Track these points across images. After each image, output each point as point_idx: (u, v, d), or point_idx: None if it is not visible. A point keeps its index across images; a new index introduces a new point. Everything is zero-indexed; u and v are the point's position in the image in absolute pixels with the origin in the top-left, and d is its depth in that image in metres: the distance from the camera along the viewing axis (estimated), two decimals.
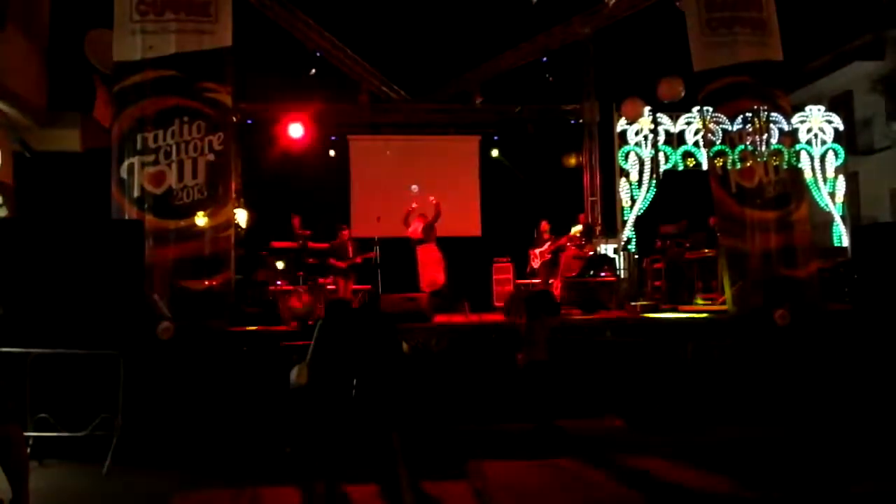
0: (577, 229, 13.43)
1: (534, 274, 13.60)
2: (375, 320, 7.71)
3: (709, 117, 11.61)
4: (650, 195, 16.89)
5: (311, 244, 12.27)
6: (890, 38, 19.44)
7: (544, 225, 13.47)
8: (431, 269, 12.35)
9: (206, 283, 9.65)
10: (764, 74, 11.30)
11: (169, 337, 8.48)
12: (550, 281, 13.10)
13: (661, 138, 16.97)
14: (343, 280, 12.20)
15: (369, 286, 12.36)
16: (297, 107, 15.77)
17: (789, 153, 11.47)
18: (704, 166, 15.51)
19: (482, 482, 6.73)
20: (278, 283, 11.13)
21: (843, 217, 17.80)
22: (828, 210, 17.76)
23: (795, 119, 16.57)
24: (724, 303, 11.20)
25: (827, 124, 17.98)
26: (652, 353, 9.33)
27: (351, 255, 12.42)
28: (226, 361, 8.66)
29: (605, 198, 17.22)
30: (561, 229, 13.56)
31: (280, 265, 11.81)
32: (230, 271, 9.99)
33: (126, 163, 9.73)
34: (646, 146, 17.01)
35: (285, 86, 16.08)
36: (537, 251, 13.37)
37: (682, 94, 14.67)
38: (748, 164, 11.07)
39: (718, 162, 11.37)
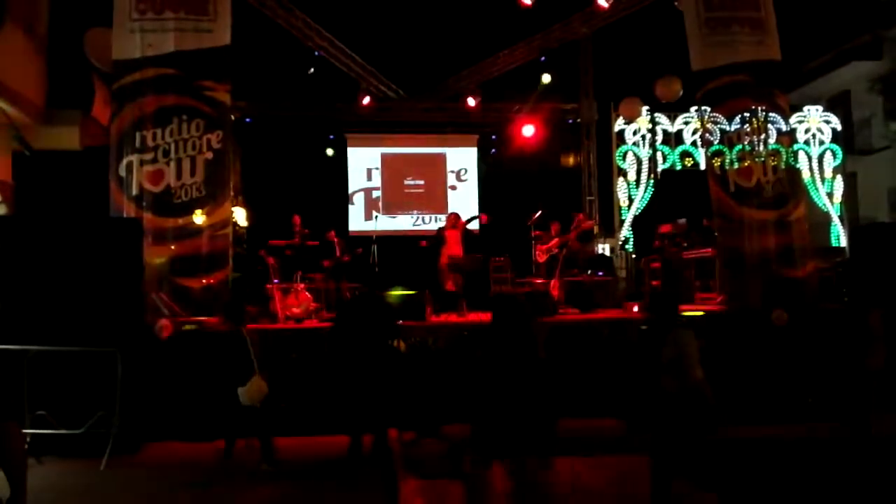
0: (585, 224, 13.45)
1: (538, 270, 13.58)
2: (379, 313, 7.70)
3: (707, 117, 11.63)
4: (648, 195, 16.90)
5: (308, 243, 12.27)
6: (888, 38, 19.45)
7: (555, 226, 13.47)
8: (454, 247, 12.38)
9: (204, 280, 9.66)
10: (762, 74, 11.31)
11: (167, 335, 8.49)
12: (549, 280, 13.09)
13: (659, 138, 16.99)
14: (333, 280, 12.19)
15: (358, 284, 12.41)
16: (296, 105, 15.80)
17: (787, 153, 11.48)
18: (702, 166, 15.52)
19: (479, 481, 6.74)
20: (276, 281, 11.13)
21: (841, 217, 17.82)
22: (826, 210, 17.79)
23: (793, 119, 16.60)
24: (721, 302, 11.20)
25: (825, 124, 18.00)
26: (649, 353, 9.32)
27: (338, 254, 12.41)
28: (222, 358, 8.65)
29: (603, 197, 17.24)
30: (565, 229, 13.55)
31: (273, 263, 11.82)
32: (228, 269, 10.00)
33: (125, 161, 9.75)
34: (644, 146, 17.03)
35: (284, 84, 16.09)
36: (544, 247, 13.34)
37: (681, 93, 14.68)
38: (746, 164, 11.08)
39: (716, 162, 11.39)
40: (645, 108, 16.39)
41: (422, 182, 17.47)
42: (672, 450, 5.55)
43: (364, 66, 16.42)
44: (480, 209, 17.16)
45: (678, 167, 17.20)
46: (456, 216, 12.73)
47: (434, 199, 17.31)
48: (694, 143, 17.07)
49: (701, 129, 15.24)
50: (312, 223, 12.92)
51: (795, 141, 16.91)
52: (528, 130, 16.32)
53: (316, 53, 15.87)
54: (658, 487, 5.50)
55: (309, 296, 11.04)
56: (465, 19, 15.87)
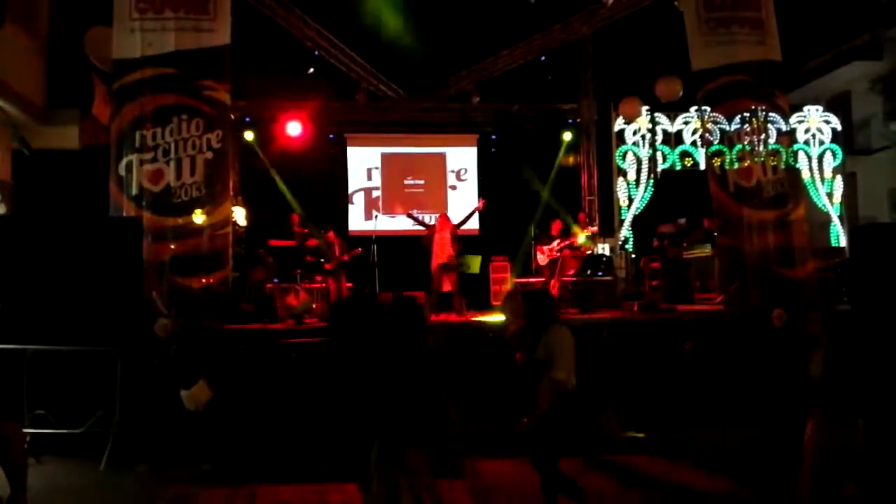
0: (588, 232, 13.42)
1: (538, 271, 13.59)
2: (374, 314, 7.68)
3: (707, 117, 11.63)
4: (648, 195, 16.90)
5: (307, 242, 12.28)
6: (888, 38, 19.42)
7: (557, 225, 13.48)
8: (446, 247, 12.36)
9: (204, 280, 9.66)
10: (762, 74, 11.33)
11: (166, 334, 8.49)
12: (549, 280, 13.10)
13: (659, 138, 16.98)
14: (333, 280, 12.20)
15: (352, 284, 12.46)
16: (295, 105, 15.79)
17: (787, 153, 11.49)
18: (702, 166, 15.54)
19: (478, 481, 6.75)
20: (275, 280, 11.14)
21: (840, 217, 17.81)
22: (826, 210, 17.77)
23: (793, 119, 16.58)
24: (720, 302, 11.21)
25: (825, 124, 17.98)
26: (649, 353, 9.33)
27: (337, 253, 12.43)
28: (222, 359, 8.65)
29: (603, 197, 17.23)
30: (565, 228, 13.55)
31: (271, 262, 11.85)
32: (228, 269, 10.00)
33: (124, 160, 9.75)
34: (643, 146, 17.01)
35: (283, 84, 16.08)
36: (545, 248, 13.35)
37: (681, 93, 14.67)
38: (746, 164, 11.09)
39: (716, 161, 11.40)
40: (645, 108, 16.36)
41: (422, 182, 17.45)
42: (548, 446, 5.52)
43: (364, 66, 16.40)
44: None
45: (678, 167, 17.17)
46: (445, 217, 12.75)
47: (434, 198, 17.29)
48: (694, 143, 17.05)
49: (701, 129, 15.25)
50: (312, 223, 12.94)
51: (795, 141, 16.90)
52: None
53: (316, 53, 15.87)
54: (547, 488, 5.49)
55: (308, 295, 11.05)
56: (464, 19, 15.85)
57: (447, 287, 11.99)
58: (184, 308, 7.72)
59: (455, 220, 12.67)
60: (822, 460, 5.37)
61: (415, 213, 13.81)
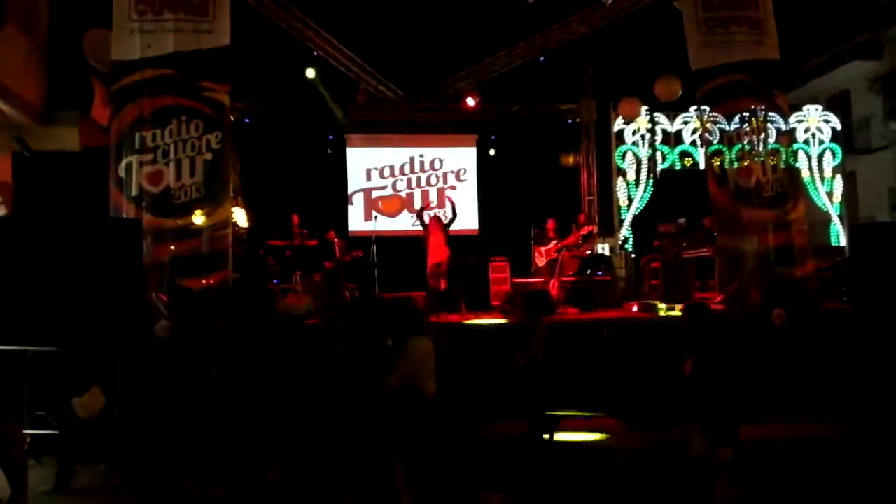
0: (585, 231, 13.40)
1: (537, 273, 13.58)
2: (371, 315, 7.70)
3: (706, 116, 11.62)
4: (647, 194, 16.91)
5: (307, 243, 12.29)
6: (888, 38, 19.44)
7: (551, 223, 13.48)
8: (440, 251, 12.37)
9: (204, 281, 9.65)
10: (761, 74, 11.31)
11: (166, 335, 8.49)
12: (549, 280, 13.09)
13: (659, 137, 16.99)
14: (333, 281, 12.20)
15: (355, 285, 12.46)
16: (294, 105, 15.81)
17: (787, 152, 11.48)
18: (702, 165, 15.53)
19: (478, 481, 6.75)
20: (275, 281, 11.14)
21: (840, 217, 17.81)
22: (825, 210, 17.77)
23: (793, 118, 16.57)
24: (720, 302, 11.20)
25: (824, 124, 17.99)
26: (648, 353, 9.33)
27: (338, 255, 12.42)
28: (222, 359, 8.65)
29: (603, 197, 17.24)
30: (561, 228, 13.52)
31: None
32: (228, 270, 10.00)
33: (124, 162, 9.73)
34: (643, 145, 17.02)
35: (283, 85, 16.10)
36: (543, 249, 13.35)
37: (680, 93, 14.67)
38: (746, 164, 11.08)
39: (716, 161, 11.38)
40: (644, 108, 16.37)
41: (422, 182, 17.46)
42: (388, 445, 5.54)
43: (363, 67, 16.42)
44: (480, 209, 17.21)
45: (678, 167, 17.18)
46: (437, 219, 12.78)
47: (433, 199, 17.30)
48: (693, 143, 17.05)
49: (700, 129, 15.26)
50: (312, 223, 12.93)
51: (795, 140, 16.90)
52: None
53: (315, 54, 15.88)
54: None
55: (308, 296, 11.05)
56: (464, 19, 15.85)
57: (443, 286, 12.02)
58: (65, 315, 7.52)
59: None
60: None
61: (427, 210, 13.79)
